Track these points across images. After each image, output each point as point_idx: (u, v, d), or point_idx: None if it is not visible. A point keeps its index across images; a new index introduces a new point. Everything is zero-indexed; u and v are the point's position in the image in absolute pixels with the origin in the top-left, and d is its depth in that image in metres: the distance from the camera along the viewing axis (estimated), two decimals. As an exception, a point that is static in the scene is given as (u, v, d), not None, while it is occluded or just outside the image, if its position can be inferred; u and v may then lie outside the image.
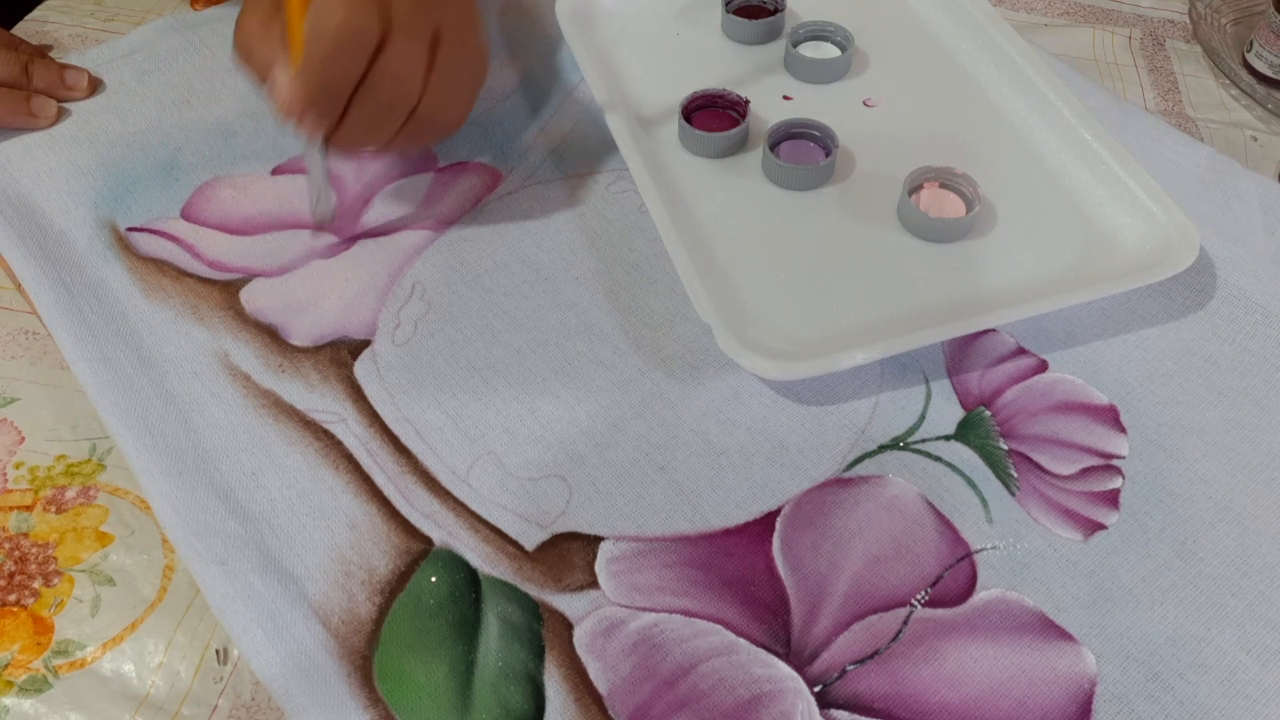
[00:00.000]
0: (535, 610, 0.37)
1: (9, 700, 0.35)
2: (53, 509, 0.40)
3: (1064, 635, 0.37)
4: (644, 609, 0.37)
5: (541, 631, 0.37)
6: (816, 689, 0.35)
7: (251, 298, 0.46)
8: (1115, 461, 0.41)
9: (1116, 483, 0.41)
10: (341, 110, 0.42)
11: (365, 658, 0.36)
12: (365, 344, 0.45)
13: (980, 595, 0.38)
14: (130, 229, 0.49)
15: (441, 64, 0.43)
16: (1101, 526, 0.39)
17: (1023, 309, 0.43)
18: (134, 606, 0.38)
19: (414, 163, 0.52)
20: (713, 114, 0.53)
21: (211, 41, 0.58)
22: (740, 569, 0.38)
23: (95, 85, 0.55)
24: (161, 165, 0.51)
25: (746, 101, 0.52)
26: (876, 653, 0.36)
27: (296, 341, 0.45)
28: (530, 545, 0.39)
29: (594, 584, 0.38)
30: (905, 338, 0.42)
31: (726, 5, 0.58)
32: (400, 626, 0.37)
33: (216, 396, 0.43)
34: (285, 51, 0.41)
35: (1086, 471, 0.41)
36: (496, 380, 0.44)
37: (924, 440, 0.42)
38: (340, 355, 0.44)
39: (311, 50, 0.40)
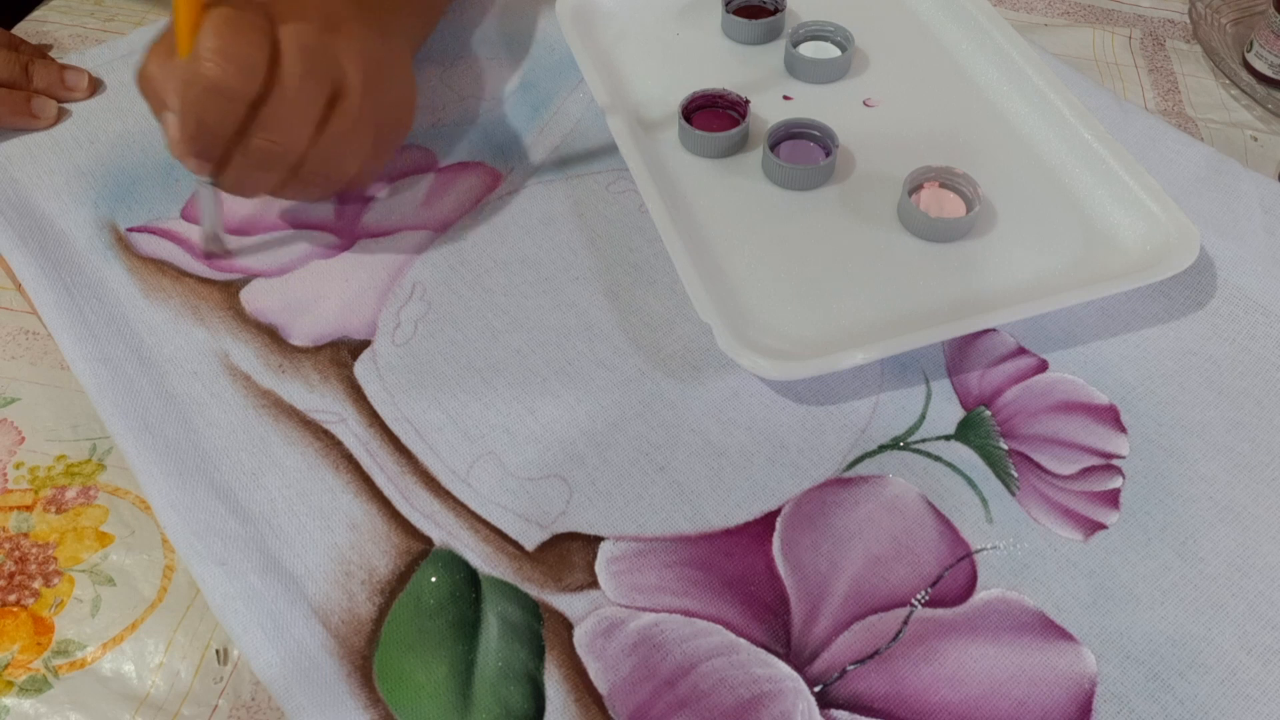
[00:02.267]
0: (535, 610, 0.37)
1: (9, 700, 0.35)
2: (53, 509, 0.40)
3: (1064, 635, 0.37)
4: (644, 609, 0.37)
5: (541, 631, 0.37)
6: (816, 689, 0.35)
7: (251, 298, 0.46)
8: (1115, 461, 0.41)
9: (1117, 482, 0.41)
10: (221, 155, 0.42)
11: (365, 658, 0.36)
12: (365, 344, 0.45)
13: (980, 595, 0.38)
14: (130, 229, 0.49)
15: (335, 123, 0.42)
16: (1102, 526, 0.39)
17: (1023, 309, 0.43)
18: (134, 606, 0.38)
19: (414, 163, 0.52)
20: (713, 114, 0.53)
21: (211, 42, 0.58)
22: (740, 569, 0.38)
23: (95, 86, 0.55)
24: (161, 165, 0.51)
25: (746, 101, 0.52)
26: (876, 653, 0.36)
27: (296, 341, 0.45)
28: (530, 545, 0.39)
29: (594, 584, 0.38)
30: (905, 338, 0.42)
31: (726, 5, 0.58)
32: (400, 626, 0.37)
33: (216, 396, 0.43)
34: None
35: (1087, 471, 0.41)
36: (496, 380, 0.44)
37: (924, 440, 0.42)
38: (340, 355, 0.44)
39: (184, 95, 0.40)
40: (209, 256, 0.48)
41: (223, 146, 0.41)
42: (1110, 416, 0.43)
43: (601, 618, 0.37)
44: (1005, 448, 0.42)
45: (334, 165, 0.44)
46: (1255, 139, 0.57)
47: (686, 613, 0.37)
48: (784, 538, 0.39)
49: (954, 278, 0.46)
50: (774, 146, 0.51)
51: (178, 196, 0.50)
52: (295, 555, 0.38)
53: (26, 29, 0.61)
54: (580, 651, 0.36)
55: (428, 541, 0.39)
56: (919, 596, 0.37)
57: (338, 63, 0.42)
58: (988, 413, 0.43)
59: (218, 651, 0.37)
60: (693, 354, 0.45)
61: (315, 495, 0.40)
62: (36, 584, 0.38)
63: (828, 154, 0.50)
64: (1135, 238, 0.47)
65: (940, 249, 0.47)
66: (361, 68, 0.43)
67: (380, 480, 0.40)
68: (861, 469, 0.41)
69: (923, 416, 0.43)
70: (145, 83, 0.43)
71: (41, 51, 0.56)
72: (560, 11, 0.57)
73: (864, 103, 0.54)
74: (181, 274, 0.47)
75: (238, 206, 0.50)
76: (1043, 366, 0.44)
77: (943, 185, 0.49)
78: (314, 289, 0.47)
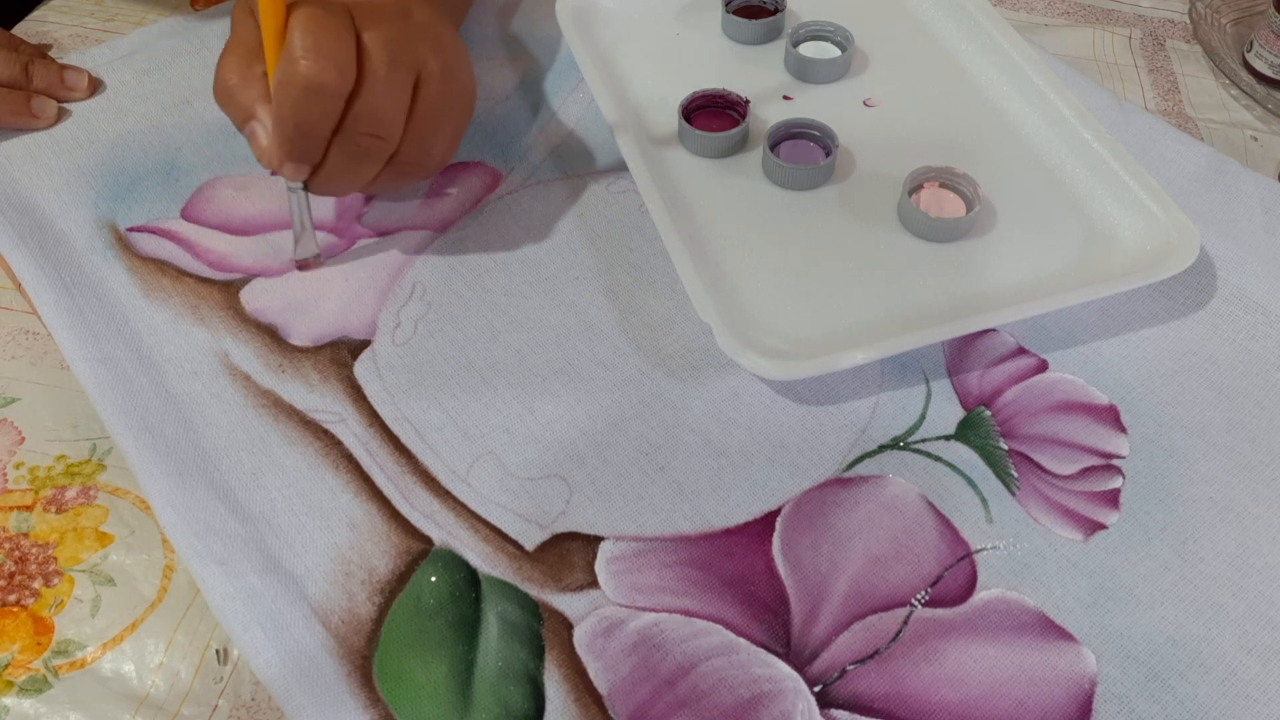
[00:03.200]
0: (535, 610, 0.37)
1: (9, 700, 0.35)
2: (53, 509, 0.40)
3: (1064, 635, 0.37)
4: (644, 609, 0.37)
5: (541, 631, 0.37)
6: (816, 689, 0.35)
7: (251, 298, 0.46)
8: (1115, 461, 0.41)
9: (1117, 482, 0.41)
10: (319, 155, 0.41)
11: (365, 658, 0.36)
12: (365, 344, 0.45)
13: (980, 595, 0.38)
14: (130, 229, 0.49)
15: (422, 107, 0.42)
16: (1102, 526, 0.39)
17: (1023, 309, 0.43)
18: (134, 606, 0.38)
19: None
20: (713, 114, 0.53)
21: (212, 41, 0.58)
22: (740, 569, 0.38)
23: (95, 86, 0.55)
24: (161, 165, 0.51)
25: (746, 101, 0.52)
26: (876, 653, 0.36)
27: (296, 341, 0.45)
28: (530, 545, 0.39)
29: (594, 584, 0.38)
30: (905, 338, 0.42)
31: (726, 5, 0.58)
32: (400, 626, 0.37)
33: (216, 396, 0.43)
34: (265, 96, 0.41)
35: (1087, 471, 0.41)
36: (496, 380, 0.44)
37: (924, 440, 0.42)
38: (340, 355, 0.44)
39: (282, 98, 0.39)
40: (302, 266, 0.47)
41: (320, 147, 0.41)
42: (1110, 416, 0.43)
43: (601, 618, 0.37)
44: (1005, 448, 0.42)
45: (425, 151, 0.44)
46: (1255, 139, 0.57)
47: (686, 613, 0.37)
48: (784, 538, 0.39)
49: (954, 278, 0.46)
50: (774, 146, 0.51)
51: (178, 196, 0.50)
52: (295, 555, 0.38)
53: (26, 29, 0.61)
54: (580, 651, 0.36)
55: (428, 541, 0.39)
56: (919, 596, 0.37)
57: (417, 49, 0.42)
58: (988, 413, 0.43)
59: (218, 651, 0.37)
60: (693, 354, 0.45)
61: (315, 495, 0.40)
62: (36, 584, 0.38)
63: (828, 154, 0.50)
64: (1135, 238, 0.47)
65: (940, 249, 0.47)
66: (438, 53, 0.43)
67: (380, 480, 0.40)
68: (861, 469, 0.41)
69: (923, 416, 0.43)
70: (226, 95, 0.42)
71: (41, 51, 0.56)
72: (560, 12, 0.57)
73: (864, 103, 0.54)
74: (181, 274, 0.47)
75: (239, 206, 0.50)
76: (1043, 366, 0.44)
77: (943, 185, 0.49)
78: (314, 289, 0.47)
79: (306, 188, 0.43)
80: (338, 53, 0.39)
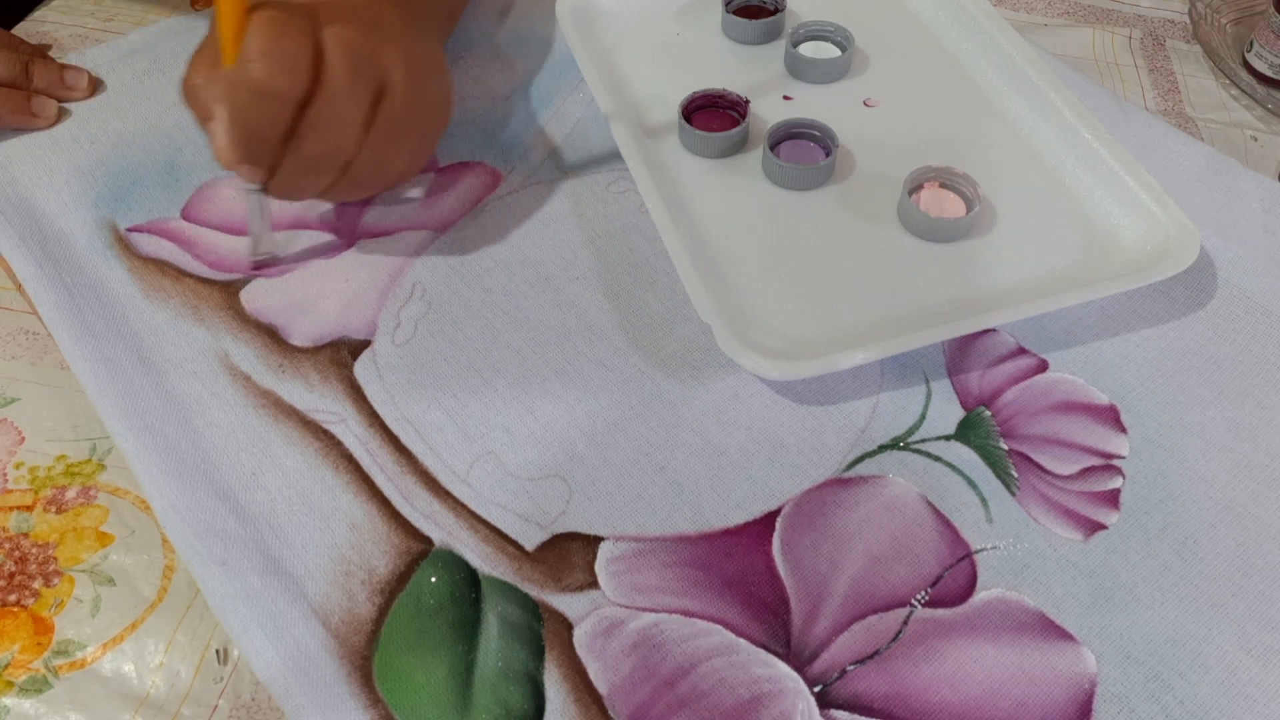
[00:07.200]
0: (535, 610, 0.37)
1: (9, 700, 0.35)
2: (53, 509, 0.40)
3: (1064, 635, 0.37)
4: (644, 609, 0.37)
5: (541, 631, 0.37)
6: (816, 689, 0.35)
7: (251, 298, 0.46)
8: (1116, 461, 0.41)
9: (1117, 483, 0.41)
10: (271, 160, 0.41)
11: (365, 658, 0.36)
12: (365, 344, 0.45)
13: (980, 595, 0.38)
14: (130, 229, 0.49)
15: (382, 120, 0.42)
16: (1102, 526, 0.39)
17: (1023, 309, 0.43)
18: (134, 606, 0.38)
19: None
20: (713, 114, 0.53)
21: (211, 42, 0.58)
22: (740, 569, 0.38)
23: (95, 85, 0.55)
24: (161, 165, 0.51)
25: (746, 101, 0.52)
26: (876, 653, 0.36)
27: (296, 341, 0.45)
28: (530, 545, 0.39)
29: (594, 584, 0.38)
30: (905, 338, 0.42)
31: (726, 5, 0.58)
32: (400, 626, 0.37)
33: (216, 396, 0.43)
34: (225, 97, 0.41)
35: (1087, 471, 0.41)
36: (496, 380, 0.44)
37: (924, 440, 0.42)
38: (340, 355, 0.44)
39: (233, 101, 0.39)
40: (258, 266, 0.47)
41: (273, 151, 0.41)
42: (1110, 416, 0.43)
43: (601, 618, 0.37)
44: (1005, 448, 0.42)
45: (382, 164, 0.44)
46: (1255, 139, 0.57)
47: (686, 613, 0.37)
48: (784, 538, 0.39)
49: (954, 278, 0.46)
50: (774, 146, 0.51)
51: (178, 196, 0.50)
52: (295, 555, 0.38)
53: (26, 29, 0.61)
54: (580, 651, 0.36)
55: (428, 541, 0.39)
56: (919, 596, 0.37)
57: (380, 61, 0.42)
58: (988, 413, 0.43)
59: (218, 651, 0.37)
60: (693, 354, 0.45)
61: (315, 495, 0.40)
62: (36, 584, 0.38)
63: (828, 154, 0.50)
64: (1135, 238, 0.47)
65: (940, 249, 0.47)
66: (404, 65, 0.43)
67: (380, 480, 0.40)
68: (861, 469, 0.41)
69: (923, 416, 0.43)
70: (190, 94, 0.42)
71: (41, 51, 0.56)
72: (560, 11, 0.57)
73: (864, 103, 0.54)
74: (181, 274, 0.47)
75: (237, 208, 0.50)
76: (1043, 366, 0.44)
77: (943, 185, 0.49)
78: (314, 289, 0.47)
79: (265, 190, 0.43)
80: (291, 58, 0.39)
